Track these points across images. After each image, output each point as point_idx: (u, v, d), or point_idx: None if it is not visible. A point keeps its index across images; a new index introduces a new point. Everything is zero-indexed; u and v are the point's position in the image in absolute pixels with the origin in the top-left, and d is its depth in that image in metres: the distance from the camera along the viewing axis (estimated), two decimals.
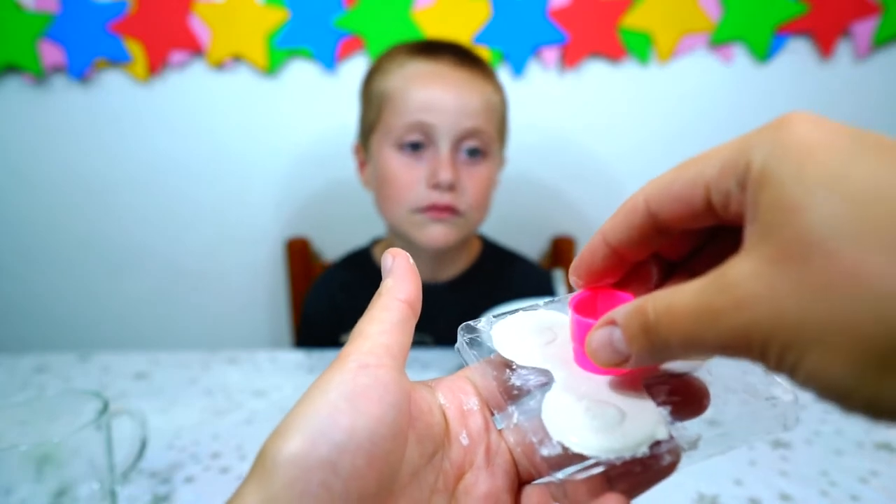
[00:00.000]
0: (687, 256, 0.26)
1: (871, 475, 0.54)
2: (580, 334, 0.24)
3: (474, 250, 0.92)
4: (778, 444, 0.59)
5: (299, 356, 0.79)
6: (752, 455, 0.57)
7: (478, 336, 0.27)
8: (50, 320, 1.24)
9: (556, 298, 0.29)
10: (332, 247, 1.15)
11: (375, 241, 0.96)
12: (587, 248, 0.25)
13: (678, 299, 0.19)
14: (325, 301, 0.91)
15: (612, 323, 0.22)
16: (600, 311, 0.25)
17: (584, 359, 0.24)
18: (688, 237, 0.25)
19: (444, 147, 0.76)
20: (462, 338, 0.27)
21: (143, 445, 0.52)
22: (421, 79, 0.77)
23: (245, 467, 0.56)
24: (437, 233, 0.78)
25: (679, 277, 0.25)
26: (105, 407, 0.46)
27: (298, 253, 1.11)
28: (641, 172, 1.15)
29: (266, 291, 1.22)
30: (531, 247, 1.15)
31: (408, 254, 0.27)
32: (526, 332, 0.27)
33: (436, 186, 0.75)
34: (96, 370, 0.76)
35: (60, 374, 0.75)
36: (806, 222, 0.17)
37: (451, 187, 0.76)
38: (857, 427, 0.61)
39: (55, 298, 1.23)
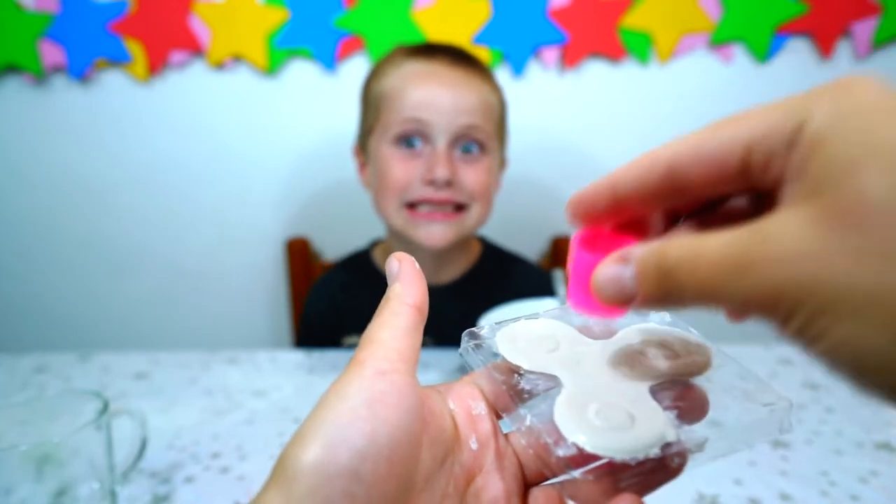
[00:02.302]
0: (694, 212, 0.25)
1: (871, 475, 0.54)
2: (581, 270, 0.24)
3: (474, 252, 0.92)
4: (778, 444, 0.59)
5: (299, 356, 0.79)
6: (752, 455, 0.57)
7: (482, 342, 0.28)
8: (50, 320, 1.24)
9: (553, 309, 0.30)
10: (332, 247, 1.15)
11: (375, 243, 0.96)
12: (591, 190, 0.24)
13: (706, 246, 0.19)
14: (325, 302, 0.91)
15: (626, 260, 0.21)
16: (600, 253, 0.25)
17: (580, 298, 0.24)
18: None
19: (441, 144, 0.76)
20: (466, 343, 0.28)
21: (143, 445, 0.52)
22: (417, 78, 0.78)
23: (245, 467, 0.56)
24: (435, 232, 0.78)
25: (684, 229, 0.25)
26: (105, 407, 0.46)
27: (298, 253, 1.11)
28: None
29: (266, 291, 1.22)
30: (531, 247, 1.15)
31: (413, 258, 0.27)
32: (530, 338, 0.28)
33: (431, 183, 0.75)
34: (96, 370, 0.76)
35: (60, 374, 0.75)
36: (867, 183, 0.15)
37: (448, 184, 0.76)
38: (857, 427, 0.61)
39: (55, 298, 1.23)
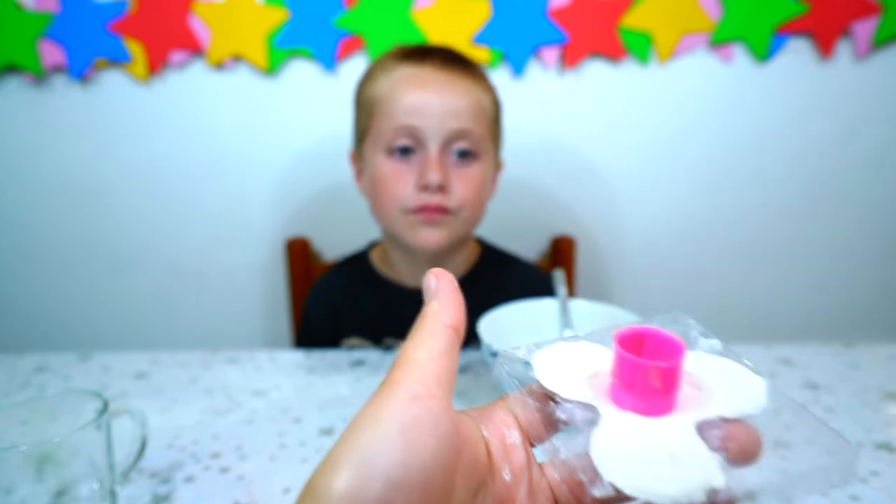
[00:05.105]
0: None
1: (871, 475, 0.54)
2: (623, 371, 0.23)
3: (473, 254, 0.92)
4: (778, 444, 0.59)
5: (299, 356, 0.79)
6: None
7: (517, 364, 0.26)
8: (50, 320, 1.24)
9: (595, 332, 0.28)
10: (332, 247, 1.15)
11: (372, 245, 0.96)
12: None
13: None
14: (324, 305, 0.91)
15: None
16: (646, 349, 0.24)
17: (622, 395, 0.24)
18: None
19: (433, 149, 0.76)
20: (501, 366, 0.26)
21: (143, 445, 0.52)
22: (407, 83, 0.77)
23: (245, 467, 0.56)
24: (429, 236, 0.78)
25: None
26: (105, 407, 0.46)
27: (298, 253, 1.11)
28: (641, 171, 1.15)
29: (266, 291, 1.22)
30: (531, 247, 1.15)
31: (451, 275, 0.26)
32: (569, 363, 0.26)
33: (424, 188, 0.75)
34: (96, 370, 0.76)
35: (60, 374, 0.75)
36: None
37: (441, 188, 0.75)
38: (857, 427, 0.61)
39: (55, 298, 1.23)
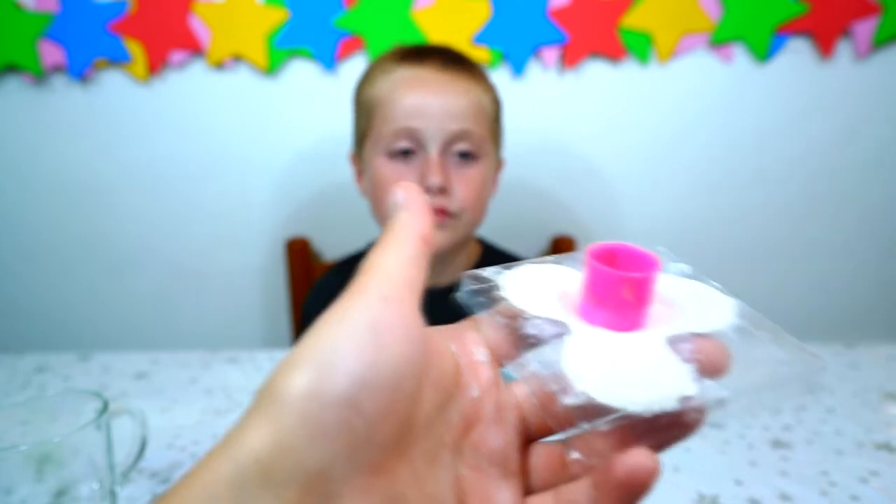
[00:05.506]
0: None
1: (871, 475, 0.54)
2: (595, 284, 0.23)
3: (474, 254, 0.92)
4: (778, 444, 0.59)
5: None
6: (752, 455, 0.57)
7: (484, 285, 0.26)
8: (50, 320, 1.24)
9: (562, 256, 0.28)
10: (332, 247, 1.15)
11: (373, 245, 0.96)
12: None
13: None
14: (324, 306, 0.90)
15: None
16: (619, 265, 0.24)
17: (593, 311, 0.23)
18: None
19: (433, 151, 0.75)
20: (467, 286, 0.26)
21: (143, 445, 0.52)
22: (406, 84, 0.77)
23: None
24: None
25: None
26: (105, 407, 0.46)
27: (298, 253, 1.11)
28: (640, 171, 1.15)
29: (266, 291, 1.22)
30: (531, 247, 1.15)
31: (419, 187, 0.25)
32: (537, 283, 0.26)
33: (425, 191, 0.75)
34: (96, 370, 0.76)
35: (60, 374, 0.75)
36: None
37: (442, 190, 0.75)
38: (857, 427, 0.61)
39: (55, 298, 1.23)
